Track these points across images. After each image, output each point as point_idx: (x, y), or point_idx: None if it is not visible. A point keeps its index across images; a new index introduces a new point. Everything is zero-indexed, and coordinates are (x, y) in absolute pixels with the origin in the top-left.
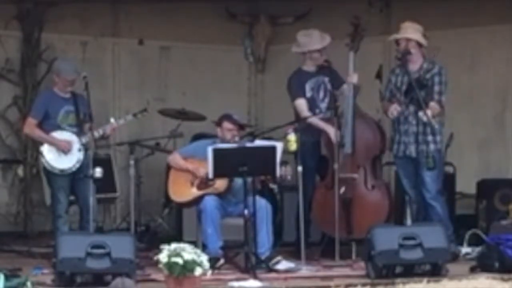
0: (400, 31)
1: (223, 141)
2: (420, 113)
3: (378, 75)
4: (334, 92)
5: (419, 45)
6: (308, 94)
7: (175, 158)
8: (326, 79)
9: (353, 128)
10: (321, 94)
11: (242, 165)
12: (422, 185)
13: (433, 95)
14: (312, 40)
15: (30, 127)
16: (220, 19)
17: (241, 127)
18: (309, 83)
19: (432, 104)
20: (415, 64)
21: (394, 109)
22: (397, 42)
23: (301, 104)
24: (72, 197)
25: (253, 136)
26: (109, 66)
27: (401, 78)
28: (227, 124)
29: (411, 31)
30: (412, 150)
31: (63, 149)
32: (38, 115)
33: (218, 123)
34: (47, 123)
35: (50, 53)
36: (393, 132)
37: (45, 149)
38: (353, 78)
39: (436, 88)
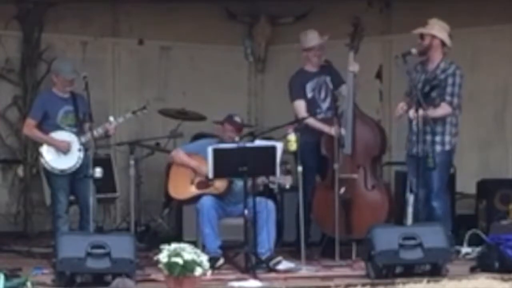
0: (427, 26)
1: (222, 140)
2: (410, 111)
3: (378, 75)
4: (333, 92)
5: (443, 44)
6: (309, 94)
7: (179, 153)
8: (328, 79)
9: (353, 129)
10: (323, 94)
11: (242, 165)
12: (425, 184)
13: (445, 96)
14: (306, 39)
15: (29, 128)
16: (220, 19)
17: (240, 129)
18: (310, 84)
19: (443, 104)
20: (433, 63)
21: (401, 108)
22: (421, 36)
23: (299, 105)
24: (72, 197)
25: (253, 136)
26: (109, 66)
27: (419, 76)
28: (227, 125)
29: (438, 29)
30: (419, 149)
31: (62, 149)
32: (37, 116)
33: (221, 123)
34: (47, 124)
35: (50, 53)
36: (408, 131)
37: (44, 149)
38: (354, 67)
39: (448, 89)
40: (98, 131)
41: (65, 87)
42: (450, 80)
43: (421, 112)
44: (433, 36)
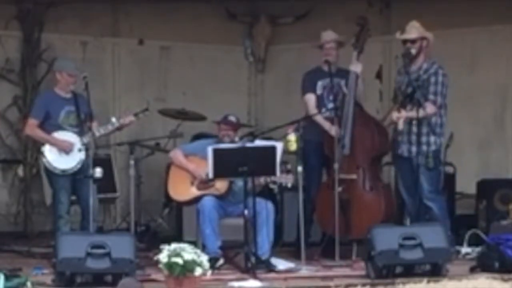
0: (411, 29)
1: (221, 140)
2: (394, 113)
3: (378, 75)
4: (344, 95)
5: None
6: (319, 91)
7: (177, 155)
8: (342, 82)
9: (352, 130)
10: (332, 95)
11: (242, 165)
12: (418, 185)
13: (428, 95)
14: (320, 37)
15: (31, 128)
16: (220, 19)
17: (235, 127)
18: (322, 81)
19: (427, 104)
20: (416, 64)
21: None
22: (412, 41)
23: (309, 99)
24: (73, 197)
25: (253, 136)
26: (109, 66)
27: (403, 79)
28: (222, 126)
29: (423, 31)
30: (404, 150)
31: (65, 149)
32: (39, 116)
33: (218, 124)
34: (48, 124)
35: (50, 53)
36: (394, 132)
37: (46, 149)
38: (357, 67)
39: (431, 88)
40: (99, 131)
41: (68, 85)
42: (432, 79)
43: (404, 113)
44: (422, 38)
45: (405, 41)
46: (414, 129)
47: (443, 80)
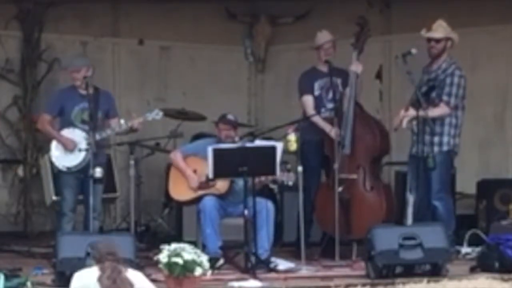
0: (438, 28)
1: (221, 140)
2: (402, 110)
3: (378, 75)
4: (342, 93)
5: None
6: (317, 92)
7: (177, 158)
8: (339, 81)
9: (352, 129)
10: (330, 94)
11: (242, 165)
12: (426, 184)
13: (442, 96)
14: (316, 38)
15: (43, 123)
16: (220, 19)
17: (235, 126)
18: (319, 82)
19: (441, 104)
20: (437, 64)
21: (398, 120)
22: (437, 40)
23: (307, 100)
24: (81, 197)
25: (253, 136)
26: (109, 66)
27: (425, 77)
28: (221, 125)
29: (450, 31)
30: (418, 149)
31: (68, 148)
32: (52, 111)
33: (216, 124)
34: (62, 119)
35: (50, 53)
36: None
37: (53, 145)
38: (357, 67)
39: (446, 89)
40: (106, 132)
41: (75, 81)
42: (448, 80)
43: (411, 111)
44: (447, 39)
45: (429, 40)
46: (427, 129)
47: (459, 81)
